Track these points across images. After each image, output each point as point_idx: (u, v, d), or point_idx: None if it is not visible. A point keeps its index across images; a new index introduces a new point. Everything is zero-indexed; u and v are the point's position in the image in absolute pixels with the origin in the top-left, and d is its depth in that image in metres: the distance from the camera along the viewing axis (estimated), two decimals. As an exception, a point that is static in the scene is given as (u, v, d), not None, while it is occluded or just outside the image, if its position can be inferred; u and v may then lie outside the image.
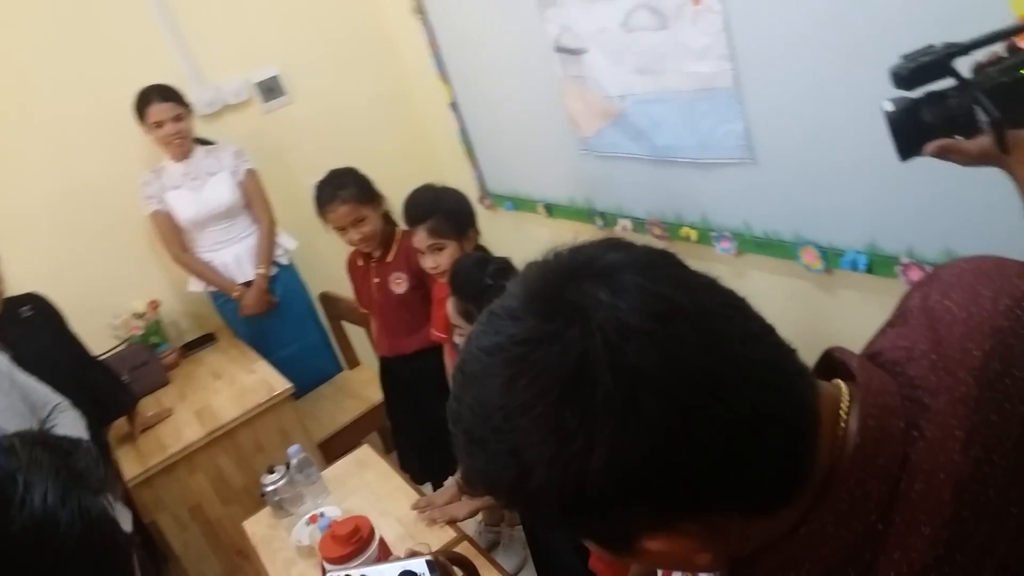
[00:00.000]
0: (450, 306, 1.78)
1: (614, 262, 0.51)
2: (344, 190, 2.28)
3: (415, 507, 1.81)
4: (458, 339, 1.79)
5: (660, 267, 0.52)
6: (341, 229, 2.32)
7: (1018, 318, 0.55)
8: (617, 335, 0.47)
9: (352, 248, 2.47)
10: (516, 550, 2.55)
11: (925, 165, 1.50)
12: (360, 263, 2.46)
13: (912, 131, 1.02)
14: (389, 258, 2.36)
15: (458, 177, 3.65)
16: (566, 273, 0.51)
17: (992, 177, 1.54)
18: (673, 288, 0.50)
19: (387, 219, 2.39)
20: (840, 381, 0.56)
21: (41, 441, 0.48)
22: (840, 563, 0.50)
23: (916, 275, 1.79)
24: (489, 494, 0.53)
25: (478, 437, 0.50)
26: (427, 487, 2.53)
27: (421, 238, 2.03)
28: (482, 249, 2.19)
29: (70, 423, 1.90)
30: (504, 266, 1.77)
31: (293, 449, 1.93)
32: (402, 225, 2.32)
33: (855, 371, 0.55)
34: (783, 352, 0.51)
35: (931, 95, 1.03)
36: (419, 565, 0.99)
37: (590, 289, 0.49)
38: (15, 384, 1.88)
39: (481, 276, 1.73)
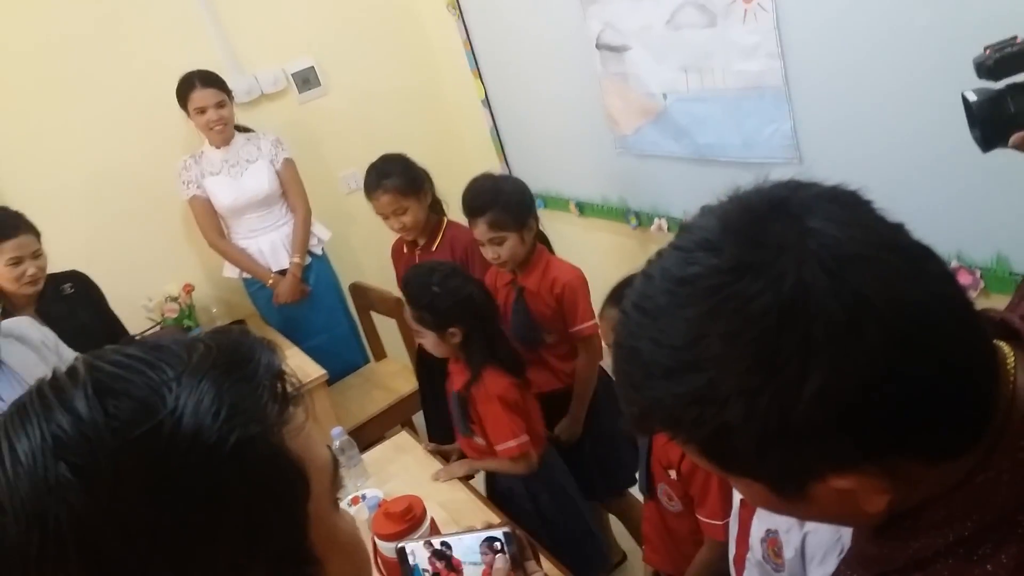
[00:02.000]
0: (407, 313, 1.92)
1: (811, 196, 0.51)
2: (389, 179, 2.29)
3: (435, 478, 1.93)
4: (422, 340, 1.90)
5: (858, 202, 0.53)
6: (384, 215, 2.34)
7: None
8: (835, 262, 0.46)
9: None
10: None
11: (978, 167, 1.51)
12: (405, 250, 2.47)
13: (996, 122, 1.03)
14: (433, 247, 2.37)
15: (488, 174, 3.68)
16: (767, 206, 0.51)
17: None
18: (876, 221, 0.51)
19: (435, 207, 2.40)
20: (999, 341, 0.57)
21: (220, 344, 0.48)
22: (1010, 512, 0.51)
23: (966, 280, 1.80)
24: (667, 430, 0.53)
25: (664, 371, 0.50)
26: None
27: (481, 231, 2.05)
28: (544, 240, 2.20)
29: None
30: (450, 272, 1.91)
31: (336, 431, 1.95)
32: (451, 214, 2.34)
33: (1019, 328, 0.56)
34: (968, 296, 0.52)
35: (1015, 86, 1.03)
36: (497, 535, 1.00)
37: (798, 219, 0.49)
38: (62, 359, 1.90)
39: (429, 284, 1.85)
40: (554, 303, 2.07)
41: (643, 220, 2.80)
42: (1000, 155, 1.15)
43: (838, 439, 0.48)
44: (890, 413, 0.47)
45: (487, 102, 3.42)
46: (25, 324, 1.88)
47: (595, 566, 2.02)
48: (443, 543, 1.01)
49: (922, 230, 1.95)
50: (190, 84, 2.72)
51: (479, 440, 1.94)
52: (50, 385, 0.45)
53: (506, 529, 1.00)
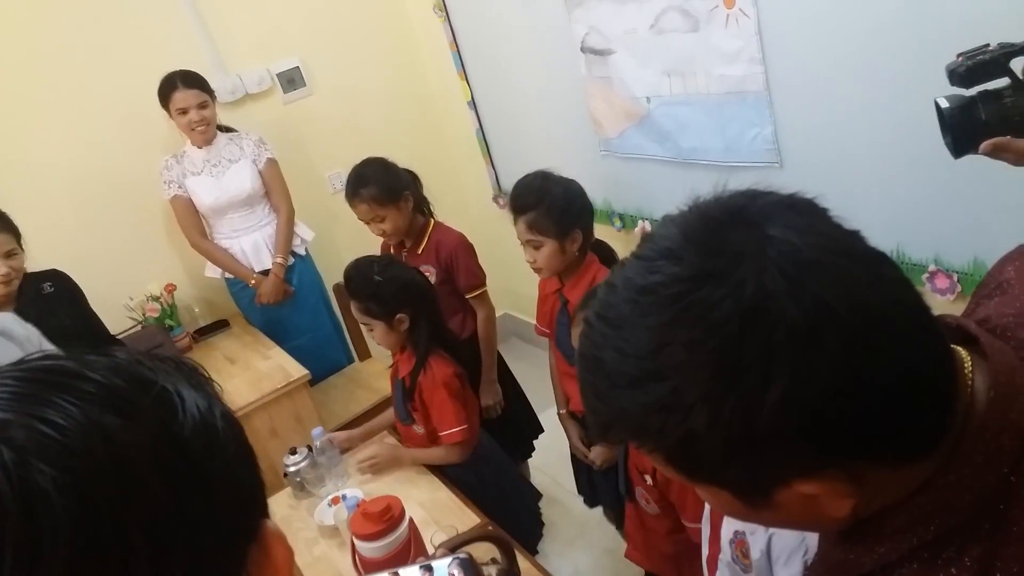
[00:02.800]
0: (353, 308, 1.97)
1: (769, 204, 0.52)
2: (365, 188, 2.27)
3: (335, 440, 2.01)
4: (371, 333, 1.97)
5: (815, 210, 0.53)
6: (364, 222, 2.34)
7: None
8: (794, 268, 0.47)
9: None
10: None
11: (953, 172, 1.52)
12: (391, 252, 2.47)
13: (968, 128, 1.04)
14: (419, 250, 2.36)
15: (474, 175, 3.67)
16: (726, 214, 0.51)
17: (1021, 185, 1.57)
18: (833, 228, 0.52)
19: (420, 210, 2.38)
20: (956, 346, 0.57)
21: (158, 357, 0.48)
22: (972, 515, 0.52)
23: (943, 283, 1.82)
24: (633, 440, 0.53)
25: (629, 379, 0.50)
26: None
27: (520, 230, 1.96)
28: (604, 251, 2.10)
29: None
30: (388, 261, 2.04)
31: (316, 431, 1.94)
32: (438, 215, 2.31)
33: (976, 334, 0.57)
34: (925, 301, 0.52)
35: (986, 93, 1.05)
36: (461, 556, 1.00)
37: (757, 227, 0.49)
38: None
39: (371, 275, 1.91)
40: None
41: (627, 222, 2.81)
42: (977, 160, 1.16)
43: (802, 444, 0.48)
44: (853, 418, 0.47)
45: (473, 103, 3.42)
46: (10, 320, 1.86)
47: (536, 534, 2.20)
48: (424, 566, 1.00)
49: (900, 233, 1.96)
50: (172, 84, 2.70)
51: (418, 429, 1.98)
52: (40, 368, 0.44)
53: (462, 556, 1.00)
